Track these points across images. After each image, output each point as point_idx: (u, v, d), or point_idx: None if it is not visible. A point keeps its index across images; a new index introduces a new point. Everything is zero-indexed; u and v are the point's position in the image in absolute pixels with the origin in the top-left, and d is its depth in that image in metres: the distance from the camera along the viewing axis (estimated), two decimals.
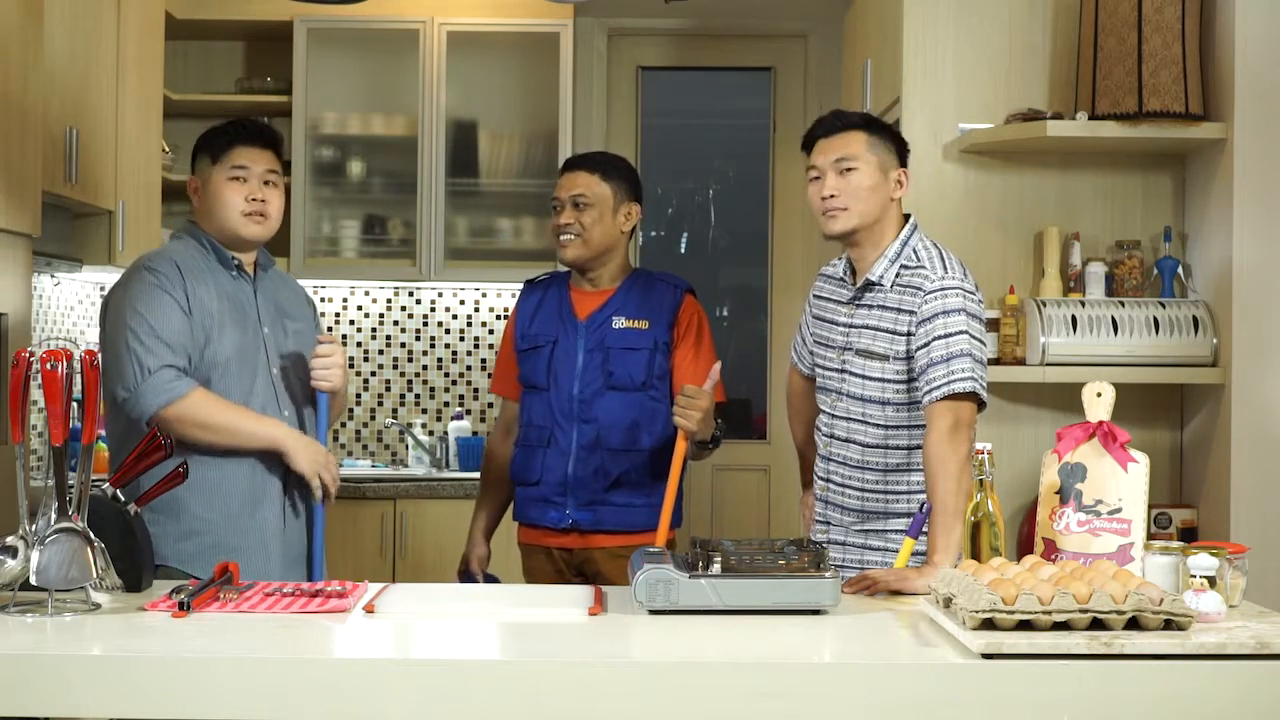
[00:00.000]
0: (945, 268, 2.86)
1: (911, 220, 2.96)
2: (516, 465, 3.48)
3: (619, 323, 3.42)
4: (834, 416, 2.98)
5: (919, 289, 2.85)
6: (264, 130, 3.15)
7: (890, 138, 2.94)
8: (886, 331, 2.88)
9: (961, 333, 2.79)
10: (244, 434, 2.96)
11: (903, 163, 2.96)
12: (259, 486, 3.02)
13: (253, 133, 3.12)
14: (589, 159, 3.54)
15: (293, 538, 3.09)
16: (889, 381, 2.88)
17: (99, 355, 2.43)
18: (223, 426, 2.94)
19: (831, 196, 2.89)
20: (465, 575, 3.57)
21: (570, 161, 3.54)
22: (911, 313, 2.85)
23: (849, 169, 2.88)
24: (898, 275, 2.89)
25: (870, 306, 2.93)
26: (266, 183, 3.09)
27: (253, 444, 2.97)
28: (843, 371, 2.96)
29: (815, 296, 3.11)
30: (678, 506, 3.34)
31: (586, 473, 3.37)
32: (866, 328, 2.92)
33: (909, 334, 2.85)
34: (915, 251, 2.90)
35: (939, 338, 2.79)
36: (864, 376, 2.91)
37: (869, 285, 2.92)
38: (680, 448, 3.15)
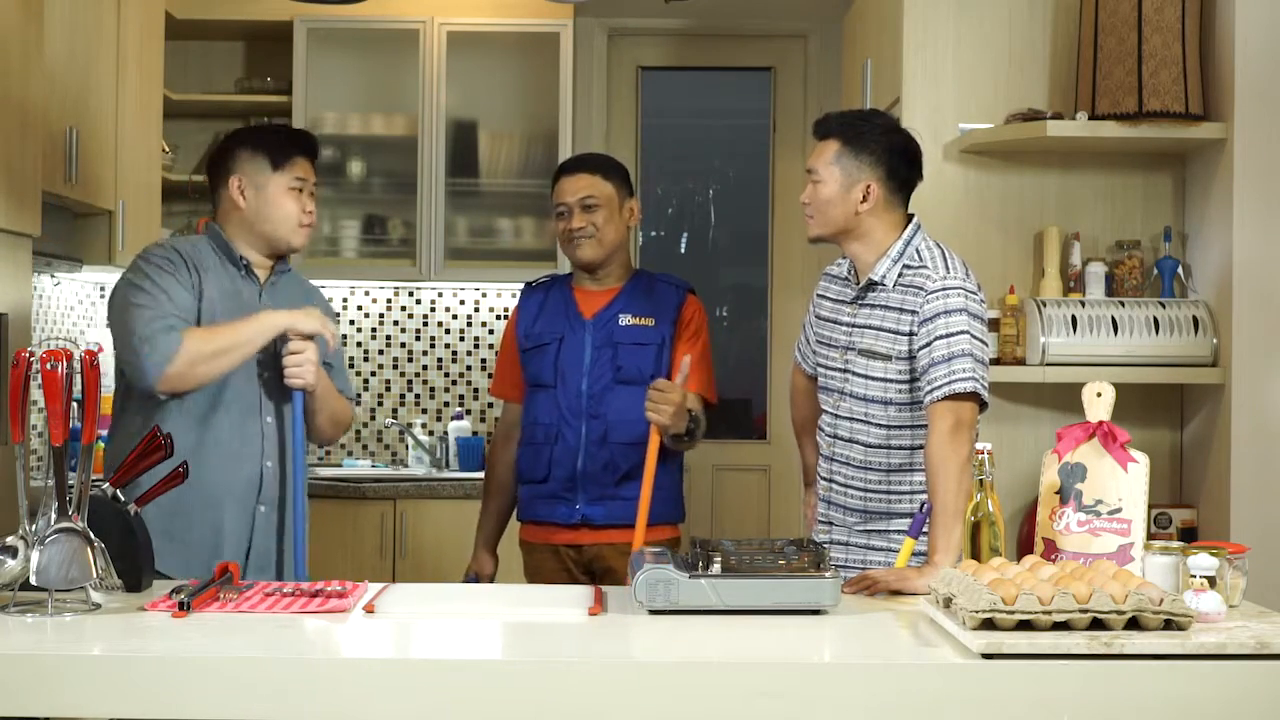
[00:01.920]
0: (947, 268, 2.86)
1: (915, 220, 2.96)
2: (523, 464, 3.48)
3: (626, 320, 3.44)
4: (837, 416, 2.98)
5: (921, 289, 2.84)
6: (316, 144, 3.20)
7: (868, 149, 2.88)
8: (889, 331, 2.88)
9: (963, 332, 2.79)
10: (245, 336, 2.93)
11: (895, 172, 2.90)
12: (223, 478, 2.98)
13: (311, 147, 3.16)
14: (588, 161, 3.55)
15: (261, 542, 3.03)
16: (891, 381, 2.88)
17: (98, 356, 2.44)
18: (225, 345, 2.91)
19: (805, 204, 2.95)
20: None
21: (569, 165, 3.54)
22: (913, 312, 2.84)
23: (814, 180, 2.92)
24: (900, 275, 2.89)
25: (873, 306, 2.92)
26: (311, 194, 3.14)
27: (260, 339, 2.94)
28: (845, 371, 2.96)
29: (819, 296, 3.11)
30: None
31: (596, 468, 3.38)
32: (869, 327, 2.91)
33: (911, 334, 2.85)
34: (918, 251, 2.90)
35: (940, 337, 2.79)
36: (866, 376, 2.91)
37: (871, 285, 2.92)
38: (653, 442, 3.16)
